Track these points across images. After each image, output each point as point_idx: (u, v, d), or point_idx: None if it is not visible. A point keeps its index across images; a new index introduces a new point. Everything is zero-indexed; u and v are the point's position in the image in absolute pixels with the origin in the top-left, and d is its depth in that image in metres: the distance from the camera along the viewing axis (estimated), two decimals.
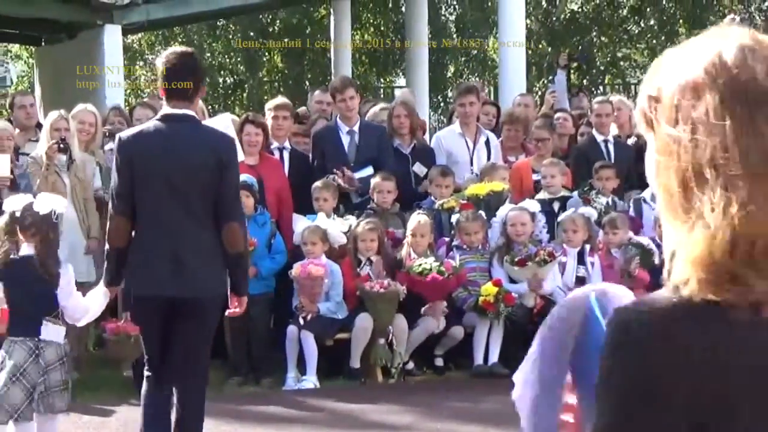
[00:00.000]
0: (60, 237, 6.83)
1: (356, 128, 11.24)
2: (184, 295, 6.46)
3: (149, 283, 6.52)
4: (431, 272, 10.01)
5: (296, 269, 9.97)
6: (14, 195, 7.38)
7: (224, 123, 10.61)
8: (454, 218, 10.74)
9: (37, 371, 6.37)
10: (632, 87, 25.89)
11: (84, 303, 6.82)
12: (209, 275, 6.54)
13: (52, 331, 6.50)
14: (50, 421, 6.54)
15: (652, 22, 25.54)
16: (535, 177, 11.54)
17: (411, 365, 10.28)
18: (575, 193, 11.28)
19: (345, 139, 11.22)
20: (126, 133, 6.83)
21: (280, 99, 11.87)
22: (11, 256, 6.56)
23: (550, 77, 15.86)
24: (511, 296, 10.18)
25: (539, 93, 22.44)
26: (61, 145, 10.13)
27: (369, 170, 10.97)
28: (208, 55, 26.92)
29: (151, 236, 6.51)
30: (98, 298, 6.93)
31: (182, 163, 6.45)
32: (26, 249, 6.53)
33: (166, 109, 6.64)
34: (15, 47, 28.74)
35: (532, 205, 10.87)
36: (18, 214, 6.54)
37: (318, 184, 10.66)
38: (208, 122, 10.76)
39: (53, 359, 6.44)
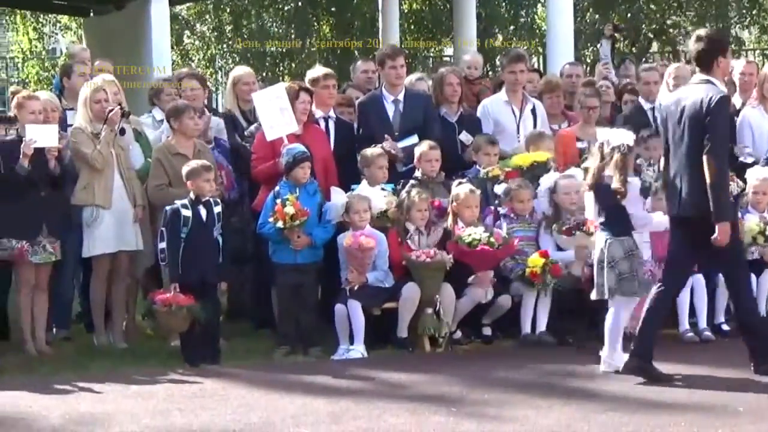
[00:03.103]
0: None
1: (401, 97, 11.20)
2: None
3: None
4: (480, 243, 9.97)
5: (347, 240, 9.95)
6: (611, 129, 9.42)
7: (278, 92, 10.64)
8: (498, 188, 10.67)
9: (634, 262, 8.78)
10: (682, 55, 25.63)
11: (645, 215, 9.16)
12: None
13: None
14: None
15: None
16: (579, 145, 11.39)
17: (458, 334, 10.27)
18: None
19: (390, 108, 11.18)
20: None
21: (325, 68, 11.79)
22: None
23: (598, 45, 15.79)
24: (558, 267, 10.10)
25: (588, 61, 22.29)
26: (123, 111, 10.21)
27: (414, 139, 10.91)
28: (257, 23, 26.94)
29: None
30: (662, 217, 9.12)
31: None
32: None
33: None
34: (64, 19, 28.91)
35: (580, 173, 10.75)
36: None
37: (367, 152, 10.62)
38: (263, 92, 10.80)
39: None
